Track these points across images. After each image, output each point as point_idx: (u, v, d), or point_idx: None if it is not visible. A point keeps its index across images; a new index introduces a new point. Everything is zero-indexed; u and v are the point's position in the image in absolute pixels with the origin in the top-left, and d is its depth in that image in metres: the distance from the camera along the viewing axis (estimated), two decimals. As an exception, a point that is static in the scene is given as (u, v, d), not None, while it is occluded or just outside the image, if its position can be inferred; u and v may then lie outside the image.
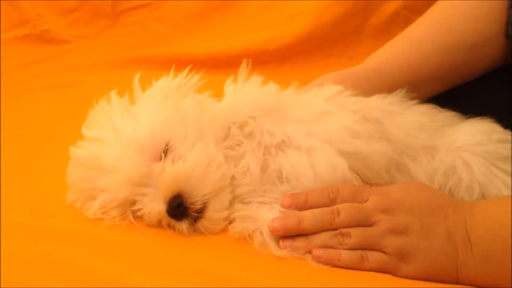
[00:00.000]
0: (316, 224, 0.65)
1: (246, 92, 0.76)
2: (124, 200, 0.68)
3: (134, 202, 0.68)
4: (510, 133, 0.77)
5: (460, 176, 0.73)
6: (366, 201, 0.66)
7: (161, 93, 0.74)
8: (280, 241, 0.65)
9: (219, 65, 1.40)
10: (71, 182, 0.71)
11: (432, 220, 0.64)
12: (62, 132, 1.00)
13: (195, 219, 0.67)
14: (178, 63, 1.43)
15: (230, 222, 0.70)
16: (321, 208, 0.66)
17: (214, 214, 0.68)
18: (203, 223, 0.68)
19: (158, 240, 0.69)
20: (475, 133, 0.76)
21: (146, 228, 0.70)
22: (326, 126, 0.70)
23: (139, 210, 0.68)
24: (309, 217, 0.65)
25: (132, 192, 0.68)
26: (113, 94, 0.75)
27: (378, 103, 0.78)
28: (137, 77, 0.76)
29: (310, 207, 0.66)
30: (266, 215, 0.67)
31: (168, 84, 0.75)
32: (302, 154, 0.69)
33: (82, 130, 0.72)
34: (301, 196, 0.67)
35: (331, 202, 0.66)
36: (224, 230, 0.69)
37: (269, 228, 0.65)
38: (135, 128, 0.69)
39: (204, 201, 0.67)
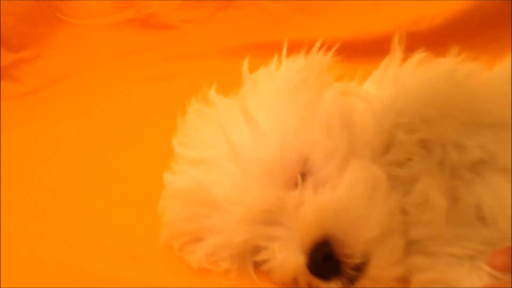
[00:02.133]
0: None
1: (411, 78, 0.55)
2: (242, 245, 0.50)
3: (257, 250, 0.50)
4: None
5: None
6: None
7: (288, 85, 0.55)
8: None
9: (353, 52, 1.15)
10: (168, 221, 0.55)
11: None
12: (159, 130, 0.83)
13: (352, 279, 0.47)
14: (301, 49, 1.25)
15: (404, 284, 0.49)
16: None
17: (382, 271, 0.48)
18: (364, 286, 0.47)
19: None
20: None
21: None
22: None
23: (264, 261, 0.49)
24: None
25: (255, 234, 0.49)
26: (212, 93, 0.57)
27: None
28: (245, 63, 0.57)
29: None
30: (467, 279, 0.47)
31: (294, 71, 0.57)
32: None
33: (175, 148, 0.56)
34: None
35: None
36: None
37: None
38: (258, 142, 0.50)
39: (366, 252, 0.47)
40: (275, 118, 0.51)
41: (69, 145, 0.89)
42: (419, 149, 0.51)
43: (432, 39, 1.14)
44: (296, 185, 0.48)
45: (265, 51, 1.23)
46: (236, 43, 1.29)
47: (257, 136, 0.50)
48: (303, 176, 0.49)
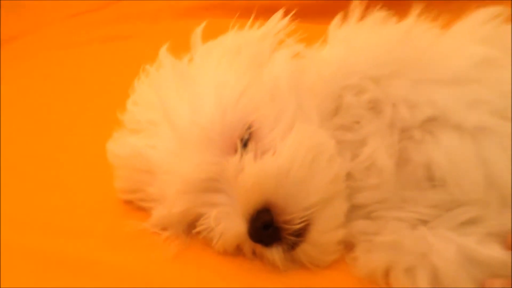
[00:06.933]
0: None
1: (363, 37, 0.53)
2: (183, 214, 0.48)
3: (199, 217, 0.49)
4: None
5: None
6: None
7: (237, 47, 0.54)
8: None
9: (311, 12, 1.12)
10: (118, 189, 0.55)
11: None
12: (110, 96, 0.79)
13: (293, 245, 0.47)
14: (259, 10, 1.23)
15: (349, 249, 0.49)
16: None
17: (322, 236, 0.47)
18: (305, 250, 0.47)
19: (235, 276, 0.47)
20: None
21: (216, 256, 0.49)
22: (497, 87, 0.48)
23: (206, 230, 0.48)
24: None
25: (195, 203, 0.48)
26: (163, 52, 0.54)
27: None
28: (200, 28, 0.55)
29: None
30: (432, 246, 0.46)
31: (245, 36, 0.55)
32: (465, 138, 0.47)
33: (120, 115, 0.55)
34: None
35: None
36: (340, 261, 0.48)
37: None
38: (196, 106, 0.49)
39: (307, 218, 0.46)
40: (217, 82, 0.49)
41: (17, 109, 0.85)
42: (367, 111, 0.49)
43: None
44: (236, 151, 0.47)
45: (220, 11, 1.22)
46: (190, 3, 1.24)
47: (195, 100, 0.48)
48: (244, 142, 0.48)
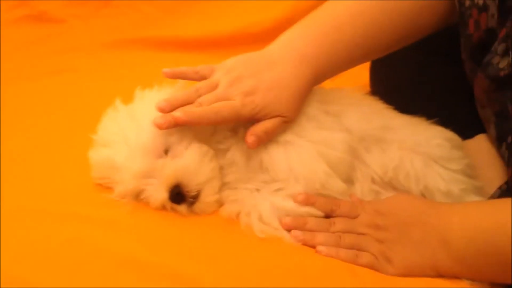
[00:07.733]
0: (317, 227, 0.80)
1: None
2: (133, 190, 0.80)
3: (142, 191, 0.81)
4: (449, 138, 0.92)
5: (407, 171, 0.87)
6: (359, 216, 0.80)
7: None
8: (292, 231, 0.79)
9: (205, 46, 1.48)
10: (94, 177, 0.84)
11: (410, 228, 0.76)
12: (61, 124, 1.07)
13: (192, 203, 0.80)
14: (167, 45, 1.53)
15: (220, 204, 0.83)
16: (321, 219, 0.81)
17: (207, 198, 0.81)
18: (198, 206, 0.80)
19: (163, 220, 0.82)
20: (421, 137, 0.91)
21: (152, 210, 0.83)
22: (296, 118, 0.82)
23: (146, 198, 0.81)
24: (311, 222, 0.80)
25: (140, 184, 0.80)
26: (118, 103, 0.88)
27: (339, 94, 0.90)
28: (136, 90, 0.89)
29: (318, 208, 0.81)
30: (259, 201, 0.81)
31: (163, 93, 0.86)
32: (279, 146, 0.81)
33: (93, 136, 0.85)
34: (313, 198, 0.81)
35: (331, 212, 0.81)
36: (216, 211, 0.83)
37: (281, 223, 0.80)
38: (139, 133, 0.80)
39: (198, 189, 0.80)
40: (151, 119, 0.77)
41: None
42: (230, 132, 0.82)
43: (265, 38, 1.45)
44: (162, 156, 0.79)
45: (138, 45, 1.50)
46: (115, 38, 1.50)
47: (139, 130, 0.79)
48: (166, 151, 0.79)
